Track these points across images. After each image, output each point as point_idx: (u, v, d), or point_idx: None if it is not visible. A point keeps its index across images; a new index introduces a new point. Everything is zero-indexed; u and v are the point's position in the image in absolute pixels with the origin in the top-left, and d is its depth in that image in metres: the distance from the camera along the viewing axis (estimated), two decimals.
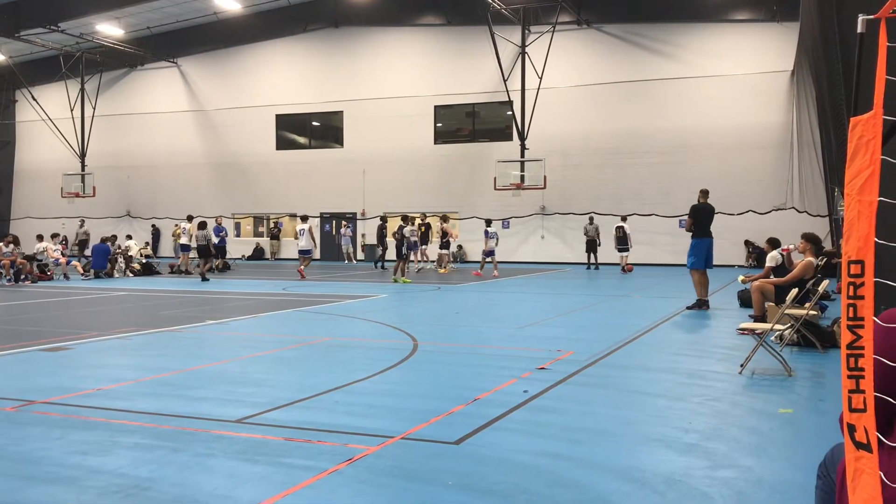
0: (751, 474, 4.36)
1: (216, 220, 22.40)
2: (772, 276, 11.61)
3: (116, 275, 23.00)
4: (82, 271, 22.78)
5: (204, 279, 20.93)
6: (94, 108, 36.13)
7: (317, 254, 26.74)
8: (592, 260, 25.97)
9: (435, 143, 31.97)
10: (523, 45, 28.77)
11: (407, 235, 22.05)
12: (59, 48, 33.82)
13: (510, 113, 29.06)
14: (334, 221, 33.65)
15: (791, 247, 13.18)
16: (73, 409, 5.97)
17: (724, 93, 27.41)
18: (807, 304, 9.41)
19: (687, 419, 5.62)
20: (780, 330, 8.44)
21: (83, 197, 35.13)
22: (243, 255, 34.38)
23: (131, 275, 23.28)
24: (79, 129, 36.01)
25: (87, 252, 28.26)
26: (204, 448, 4.87)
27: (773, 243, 12.40)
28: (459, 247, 30.36)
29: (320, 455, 4.69)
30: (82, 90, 35.67)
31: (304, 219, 22.69)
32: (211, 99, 35.83)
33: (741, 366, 7.54)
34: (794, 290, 8.54)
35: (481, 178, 29.98)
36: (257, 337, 10.34)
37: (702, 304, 13.25)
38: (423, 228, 25.88)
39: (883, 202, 2.25)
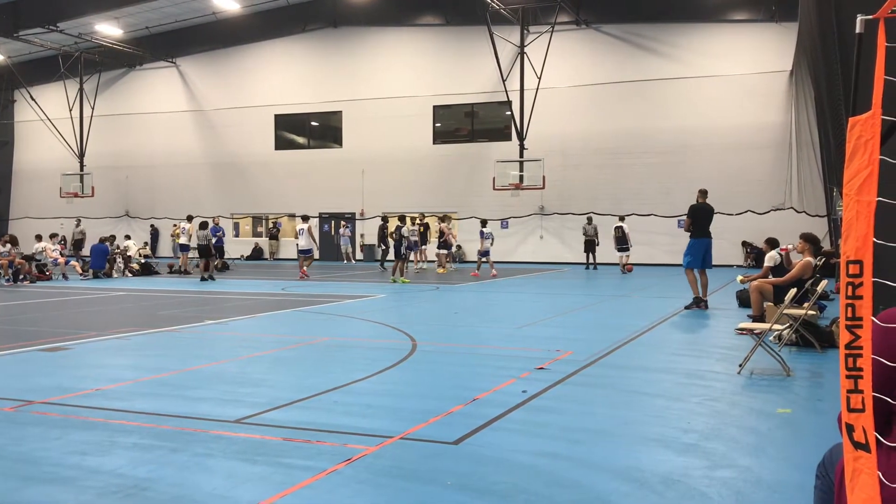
0: (749, 474, 4.36)
1: (213, 221, 22.43)
2: (770, 276, 11.62)
3: (115, 275, 22.99)
4: (81, 271, 22.78)
5: (210, 279, 21.09)
6: (93, 108, 36.11)
7: (316, 254, 26.69)
8: (591, 260, 25.97)
9: (434, 143, 31.97)
10: (522, 45, 28.77)
11: (406, 235, 22.03)
12: (58, 48, 33.80)
13: (509, 113, 29.05)
14: (333, 221, 33.64)
15: (790, 247, 13.18)
16: (72, 409, 5.97)
17: (722, 93, 27.42)
18: (805, 304, 9.42)
19: (686, 419, 5.62)
20: (778, 330, 8.45)
21: (82, 197, 35.12)
22: (242, 256, 34.37)
23: (130, 275, 23.27)
24: (77, 129, 35.98)
25: (83, 251, 28.26)
26: (203, 448, 4.87)
27: (772, 243, 12.41)
28: (458, 247, 30.34)
29: (319, 455, 4.69)
30: (81, 90, 35.65)
31: (305, 219, 22.69)
32: (210, 99, 35.82)
33: (740, 366, 7.55)
34: (793, 290, 8.55)
35: (480, 178, 29.98)
36: (256, 337, 10.34)
37: (699, 303, 13.27)
38: (421, 229, 25.88)
39: (881, 202, 2.25)
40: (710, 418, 5.67)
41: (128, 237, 27.21)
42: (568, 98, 29.51)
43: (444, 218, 25.87)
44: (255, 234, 36.38)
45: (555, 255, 29.66)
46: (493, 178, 28.13)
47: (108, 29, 31.94)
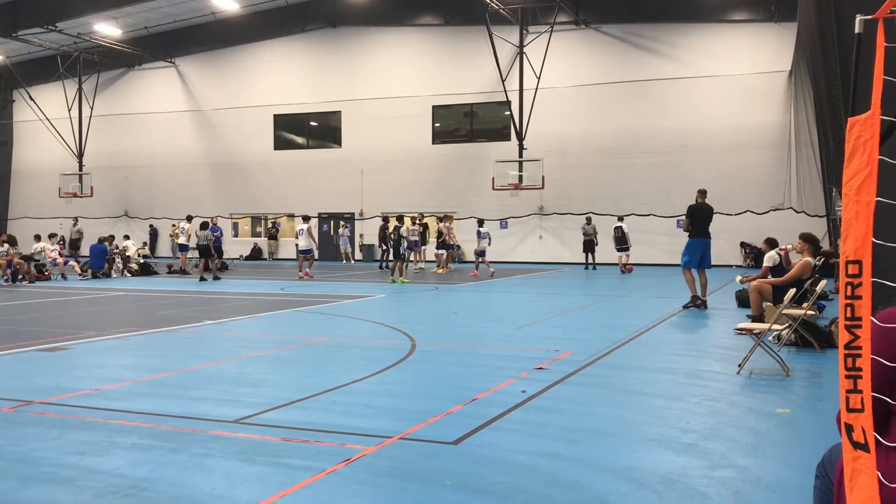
0: (748, 474, 4.36)
1: (211, 221, 22.44)
2: (769, 276, 11.62)
3: (114, 275, 22.98)
4: (80, 271, 22.76)
5: (216, 278, 21.16)
6: (92, 108, 36.07)
7: (315, 254, 26.67)
8: (590, 260, 25.98)
9: (433, 143, 31.97)
10: (521, 45, 28.77)
11: (405, 235, 22.01)
12: (57, 48, 33.77)
13: (508, 113, 29.05)
14: (332, 221, 33.63)
15: (789, 247, 13.19)
16: (71, 409, 5.96)
17: (722, 93, 27.43)
18: (804, 304, 9.42)
19: (685, 419, 5.62)
20: (777, 330, 8.45)
21: (81, 197, 35.10)
22: (241, 256, 34.35)
23: (129, 275, 23.26)
24: (76, 129, 35.97)
25: (80, 251, 28.24)
26: (202, 448, 4.87)
27: (771, 243, 12.41)
28: (458, 247, 30.34)
29: (318, 455, 4.69)
30: (80, 90, 35.63)
31: (306, 219, 22.68)
32: (209, 99, 35.80)
33: (739, 366, 7.55)
34: (792, 290, 8.55)
35: (479, 178, 29.97)
36: (255, 337, 10.34)
37: (696, 300, 13.28)
38: (420, 229, 25.87)
39: (880, 202, 2.25)
40: (709, 418, 5.67)
41: (127, 237, 27.19)
42: (567, 98, 29.52)
43: (443, 218, 25.83)
44: (254, 234, 36.36)
45: (554, 256, 29.66)
46: (493, 178, 28.13)
47: (107, 29, 31.93)
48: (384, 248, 25.99)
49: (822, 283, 9.20)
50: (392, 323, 11.51)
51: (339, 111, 33.45)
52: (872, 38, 2.39)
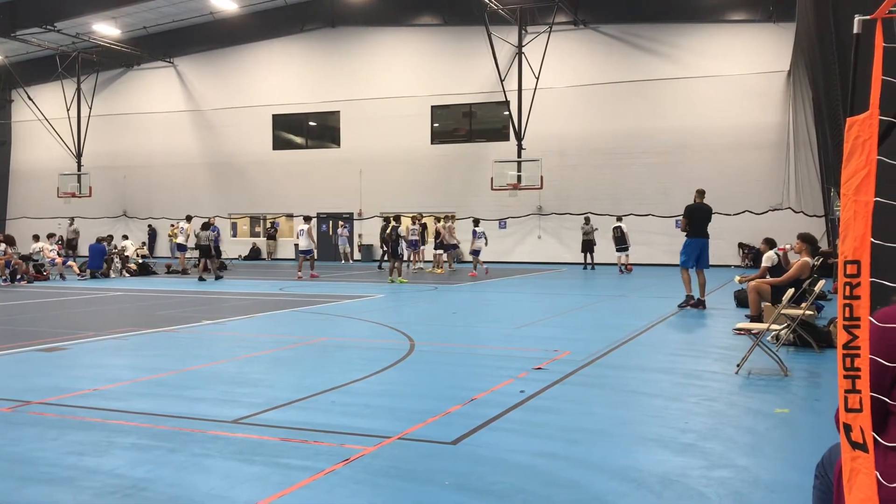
0: (747, 474, 4.37)
1: (209, 220, 22.47)
2: (768, 277, 11.62)
3: (113, 275, 22.96)
4: (79, 271, 22.75)
5: (219, 277, 21.16)
6: (91, 108, 36.04)
7: (315, 254, 26.64)
8: (589, 260, 25.98)
9: (432, 144, 31.96)
10: (520, 46, 28.78)
11: (402, 235, 22.00)
12: (56, 48, 33.75)
13: (507, 113, 29.05)
14: (331, 221, 33.62)
15: (787, 247, 13.19)
16: (70, 409, 5.96)
17: (721, 93, 27.45)
18: (803, 304, 9.43)
19: (683, 419, 5.62)
20: (776, 330, 8.45)
21: (79, 197, 35.05)
22: (240, 256, 34.32)
23: (127, 275, 23.24)
24: (75, 129, 35.93)
25: (77, 251, 28.23)
26: (200, 448, 4.87)
27: (770, 243, 12.41)
28: (455, 246, 30.31)
29: (317, 455, 4.69)
30: (78, 90, 35.60)
31: (307, 219, 22.65)
32: (207, 99, 35.78)
33: (737, 366, 7.55)
34: (791, 290, 8.55)
35: (478, 178, 29.98)
36: (254, 337, 10.33)
37: (690, 300, 13.31)
38: (420, 228, 25.85)
39: (879, 202, 2.25)
40: (707, 418, 5.67)
41: (125, 237, 27.19)
42: (566, 98, 29.52)
43: (443, 218, 25.80)
44: (253, 234, 36.34)
45: (553, 256, 29.67)
46: (491, 179, 28.12)
47: (106, 29, 31.91)
48: (385, 248, 25.96)
49: (821, 283, 9.21)
50: (391, 323, 11.51)
51: (338, 111, 33.44)
52: (871, 38, 2.39)
